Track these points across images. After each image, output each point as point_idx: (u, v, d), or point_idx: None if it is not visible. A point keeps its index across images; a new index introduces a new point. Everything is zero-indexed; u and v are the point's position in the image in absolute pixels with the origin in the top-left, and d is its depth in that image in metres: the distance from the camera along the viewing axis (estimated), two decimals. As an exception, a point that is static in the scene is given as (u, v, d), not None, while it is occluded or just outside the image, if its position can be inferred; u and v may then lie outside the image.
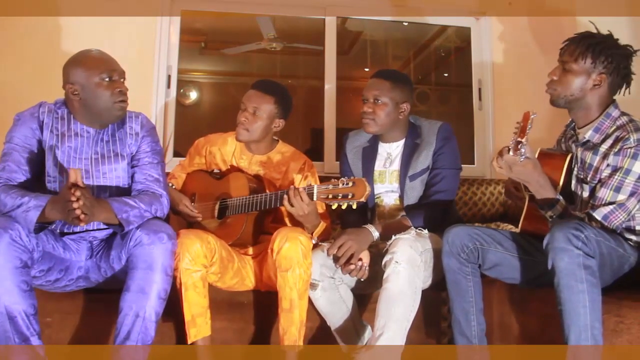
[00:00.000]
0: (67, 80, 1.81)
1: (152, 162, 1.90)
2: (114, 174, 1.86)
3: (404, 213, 2.09)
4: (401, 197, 2.12)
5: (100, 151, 1.86)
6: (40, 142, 1.81)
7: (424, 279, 1.89)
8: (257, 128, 2.11)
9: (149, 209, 1.78)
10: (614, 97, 1.83)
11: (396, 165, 2.15)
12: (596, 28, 1.83)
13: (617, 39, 1.80)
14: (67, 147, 1.82)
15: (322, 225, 2.02)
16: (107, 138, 1.88)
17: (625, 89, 1.82)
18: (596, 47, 1.75)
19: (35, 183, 1.81)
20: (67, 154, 1.82)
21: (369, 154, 2.19)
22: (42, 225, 1.66)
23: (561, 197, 1.74)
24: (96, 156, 1.85)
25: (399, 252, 1.79)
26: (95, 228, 1.85)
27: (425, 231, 1.97)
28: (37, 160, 1.80)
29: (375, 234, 1.94)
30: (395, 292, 1.77)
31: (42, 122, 1.82)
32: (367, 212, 2.19)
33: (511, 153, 1.62)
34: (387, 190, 2.16)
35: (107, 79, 1.80)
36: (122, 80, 1.85)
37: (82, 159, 1.84)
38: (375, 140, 2.21)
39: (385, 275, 1.80)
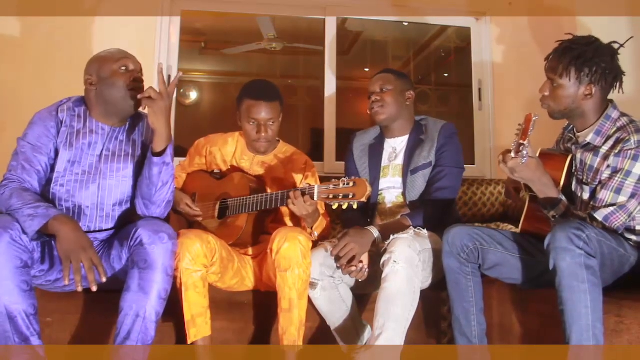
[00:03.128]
0: (86, 73, 1.85)
1: None
2: (121, 174, 1.87)
3: (405, 211, 2.10)
4: (404, 194, 2.13)
5: (112, 149, 1.87)
6: (54, 141, 1.81)
7: (423, 278, 1.89)
8: (274, 135, 2.15)
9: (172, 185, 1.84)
10: (612, 98, 1.83)
11: (400, 160, 2.18)
12: (573, 35, 1.81)
13: (599, 42, 1.77)
14: (81, 143, 1.83)
15: (322, 221, 2.02)
16: (122, 137, 1.89)
17: (619, 88, 1.81)
18: (577, 60, 1.74)
19: (45, 183, 1.82)
20: (81, 150, 1.83)
21: (376, 151, 2.24)
22: (41, 234, 1.67)
23: (564, 197, 1.74)
24: (107, 153, 1.86)
25: (397, 251, 1.80)
26: (96, 229, 1.86)
27: (424, 231, 1.97)
28: (48, 160, 1.80)
29: (377, 235, 1.95)
30: (393, 292, 1.77)
31: (60, 120, 1.84)
32: (369, 209, 2.20)
33: (513, 154, 1.62)
34: (389, 187, 2.17)
35: (123, 68, 1.82)
36: (139, 73, 1.86)
37: (95, 155, 1.85)
38: (381, 137, 2.25)
39: (383, 275, 1.80)
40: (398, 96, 2.16)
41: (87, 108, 1.88)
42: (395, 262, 1.78)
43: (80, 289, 1.60)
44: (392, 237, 1.87)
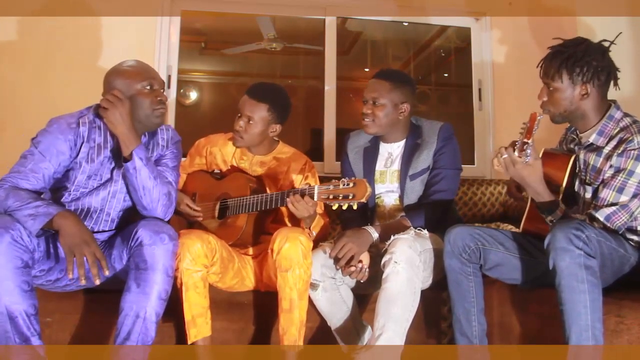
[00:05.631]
0: (109, 88, 1.81)
1: (168, 166, 1.92)
2: None
3: (404, 213, 2.09)
4: (401, 197, 2.12)
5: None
6: (69, 156, 1.79)
7: (424, 279, 1.89)
8: (252, 135, 2.12)
9: (163, 187, 1.80)
10: (614, 99, 1.83)
11: (397, 165, 2.15)
12: (562, 39, 1.81)
13: (588, 42, 1.78)
14: (102, 158, 1.83)
15: (320, 220, 2.02)
16: None
17: (614, 85, 1.81)
18: (567, 62, 1.75)
19: (56, 190, 1.82)
20: (101, 164, 1.83)
21: (371, 154, 2.20)
22: (44, 230, 1.67)
23: (561, 203, 1.74)
24: (120, 163, 1.85)
25: (397, 252, 1.80)
26: (98, 230, 1.86)
27: (425, 231, 1.97)
28: (53, 173, 1.77)
29: (375, 235, 1.95)
30: (394, 292, 1.77)
31: (81, 134, 1.81)
32: (367, 212, 2.19)
33: (516, 153, 1.62)
34: (387, 190, 2.16)
35: (148, 87, 1.81)
36: (162, 90, 1.86)
37: (111, 167, 1.85)
38: (376, 141, 2.21)
39: (384, 276, 1.80)
40: (390, 112, 2.08)
41: None
42: (396, 262, 1.78)
43: (84, 282, 1.61)
44: (392, 237, 1.87)
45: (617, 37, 1.82)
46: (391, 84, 2.09)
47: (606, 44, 1.80)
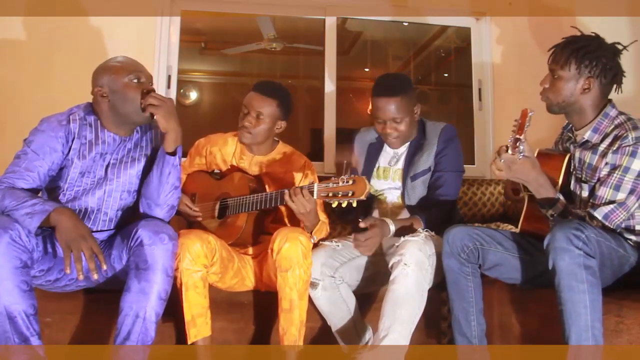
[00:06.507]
0: (96, 84, 1.82)
1: None
2: (127, 179, 1.88)
3: (404, 212, 2.10)
4: (403, 195, 2.13)
5: (120, 157, 1.87)
6: (61, 153, 1.79)
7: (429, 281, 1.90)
8: (260, 131, 2.12)
9: (179, 193, 1.85)
10: (610, 97, 1.84)
11: (400, 164, 2.17)
12: (579, 31, 1.84)
13: (602, 40, 1.80)
14: (94, 154, 1.83)
15: (322, 225, 2.02)
16: (130, 145, 1.90)
17: (617, 88, 1.82)
18: (579, 52, 1.76)
19: (52, 190, 1.82)
20: (93, 161, 1.83)
21: (374, 150, 2.22)
22: (43, 228, 1.67)
23: (561, 196, 1.74)
24: (114, 161, 1.86)
25: (407, 254, 1.80)
26: (97, 230, 1.86)
27: (433, 234, 1.97)
28: (47, 171, 1.78)
29: (393, 228, 1.97)
30: (402, 294, 1.77)
31: (72, 131, 1.81)
32: (370, 208, 2.20)
33: (510, 151, 1.63)
34: (390, 187, 2.17)
35: (135, 80, 1.81)
36: (150, 84, 1.86)
37: (104, 164, 1.85)
38: (381, 138, 2.22)
39: (392, 277, 1.80)
40: (410, 120, 2.09)
41: (98, 117, 1.87)
42: (405, 264, 1.78)
43: (81, 277, 1.60)
44: (402, 239, 1.87)
45: (631, 43, 1.82)
46: (401, 97, 2.05)
47: (619, 47, 1.80)
